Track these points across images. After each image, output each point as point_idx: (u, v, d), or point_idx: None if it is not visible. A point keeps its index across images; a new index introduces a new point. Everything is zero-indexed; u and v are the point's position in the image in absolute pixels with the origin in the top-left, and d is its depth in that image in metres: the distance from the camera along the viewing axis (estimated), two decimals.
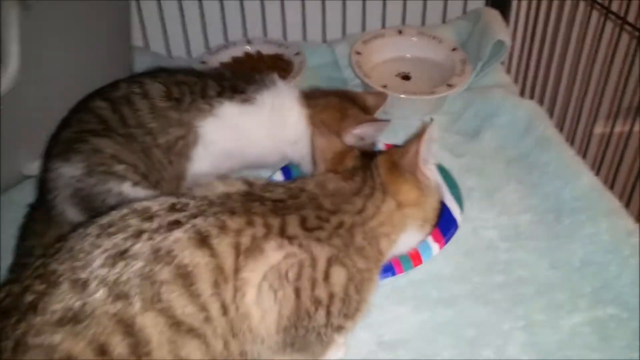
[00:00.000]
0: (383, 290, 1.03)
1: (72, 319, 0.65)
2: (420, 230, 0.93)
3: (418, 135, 0.88)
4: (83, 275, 0.67)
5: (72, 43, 1.25)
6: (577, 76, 1.45)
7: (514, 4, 1.64)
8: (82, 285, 0.67)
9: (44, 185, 1.10)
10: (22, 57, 1.11)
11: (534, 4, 1.62)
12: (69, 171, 1.06)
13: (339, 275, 0.79)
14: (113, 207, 1.02)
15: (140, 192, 1.07)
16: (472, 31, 1.58)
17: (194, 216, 0.74)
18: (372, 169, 0.91)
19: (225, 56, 1.58)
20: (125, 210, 0.75)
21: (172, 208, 0.75)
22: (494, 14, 1.57)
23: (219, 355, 0.72)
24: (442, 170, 1.17)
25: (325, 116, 1.16)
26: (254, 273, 0.74)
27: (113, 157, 1.05)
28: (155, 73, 1.13)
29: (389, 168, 0.91)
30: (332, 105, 1.17)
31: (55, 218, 1.10)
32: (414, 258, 1.04)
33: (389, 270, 1.02)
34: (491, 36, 1.45)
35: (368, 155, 0.95)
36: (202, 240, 0.72)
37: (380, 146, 1.22)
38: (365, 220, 0.86)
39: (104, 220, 0.73)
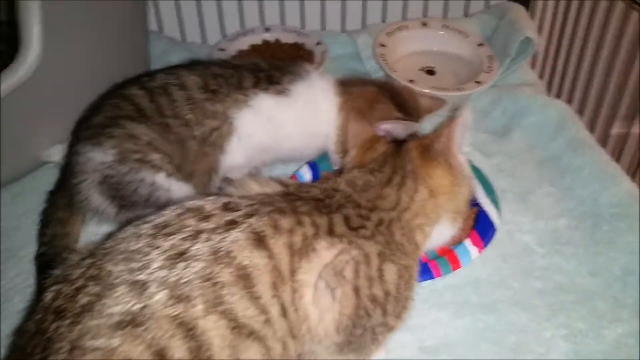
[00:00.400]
0: (421, 293, 1.00)
1: (131, 322, 0.62)
2: (452, 223, 0.91)
3: (451, 119, 0.86)
4: (141, 277, 0.65)
5: (91, 29, 1.21)
6: (612, 73, 1.42)
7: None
8: (140, 288, 0.64)
9: (69, 168, 1.07)
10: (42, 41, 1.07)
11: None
12: (99, 156, 1.02)
13: (391, 273, 0.78)
14: (147, 199, 1.01)
15: (173, 183, 1.05)
16: (497, 26, 1.56)
17: (249, 215, 0.72)
18: (403, 155, 0.89)
19: (243, 44, 1.54)
20: (179, 210, 0.72)
21: (226, 207, 0.73)
22: (521, 10, 1.54)
23: (278, 357, 0.70)
24: (476, 171, 1.15)
25: (354, 105, 1.12)
26: (309, 274, 0.72)
27: (149, 144, 1.02)
28: (191, 66, 1.10)
29: (421, 152, 0.89)
30: (365, 95, 1.13)
31: (78, 204, 1.07)
32: (453, 262, 1.02)
33: (427, 273, 1.00)
34: (519, 33, 1.43)
35: (400, 143, 0.93)
36: (260, 241, 0.70)
37: None
38: (400, 214, 0.84)
39: (159, 219, 0.71)
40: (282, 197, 0.78)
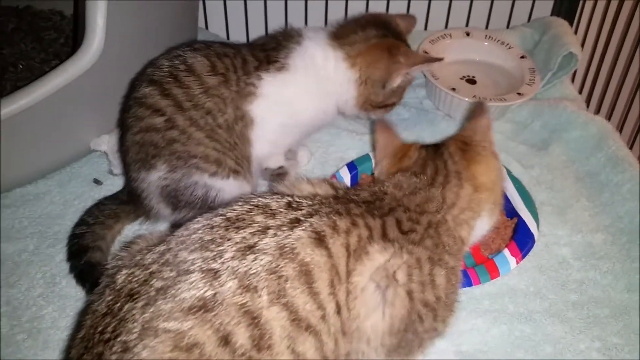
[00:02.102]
0: (459, 299, 1.02)
1: (202, 307, 0.65)
2: (490, 216, 0.94)
3: (478, 113, 0.95)
4: (214, 265, 0.68)
5: (148, 24, 1.24)
6: None
7: (585, 14, 1.62)
8: (213, 275, 0.67)
9: (135, 192, 1.11)
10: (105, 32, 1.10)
11: (599, 14, 1.60)
12: (155, 175, 1.06)
13: (441, 277, 0.81)
14: (204, 199, 1.06)
15: (219, 182, 1.08)
16: (540, 40, 1.57)
17: (310, 215, 0.75)
18: (443, 157, 0.93)
19: None
20: (247, 206, 0.76)
21: (289, 206, 0.77)
22: (564, 25, 1.55)
23: (329, 353, 0.72)
24: (516, 182, 1.17)
25: (372, 58, 1.14)
26: (362, 277, 0.75)
27: (186, 153, 1.05)
28: (192, 45, 1.10)
29: (463, 151, 0.93)
30: (378, 45, 1.14)
31: (151, 215, 1.13)
32: (492, 271, 1.03)
33: (466, 280, 1.02)
34: (563, 47, 1.44)
35: (434, 145, 0.97)
36: (320, 240, 0.73)
37: None
38: (446, 214, 0.87)
39: (230, 214, 0.75)
40: (335, 200, 0.82)
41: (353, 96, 1.16)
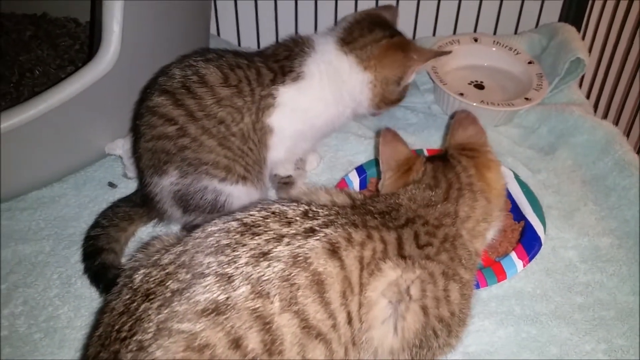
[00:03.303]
0: None
1: (215, 310, 0.67)
2: (498, 220, 0.95)
3: (469, 121, 0.98)
4: (229, 270, 0.70)
5: (162, 30, 1.26)
6: None
7: (593, 20, 1.63)
8: (227, 280, 0.69)
9: (148, 196, 1.13)
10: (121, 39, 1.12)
11: (606, 19, 1.62)
12: (167, 181, 1.09)
13: (455, 293, 0.82)
14: (213, 204, 1.08)
15: (228, 188, 1.10)
16: (547, 46, 1.58)
17: (326, 225, 0.77)
18: (455, 170, 0.93)
19: None
20: (264, 212, 0.78)
21: (306, 215, 0.78)
22: (572, 31, 1.56)
23: None
24: (523, 186, 1.19)
25: (387, 59, 1.17)
26: (375, 292, 0.77)
27: (197, 159, 1.08)
28: (204, 55, 1.12)
29: (473, 159, 0.95)
30: (389, 46, 1.17)
31: (164, 217, 1.16)
32: (499, 273, 1.05)
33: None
34: (570, 53, 1.45)
35: (435, 158, 0.98)
36: (334, 251, 0.75)
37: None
38: (460, 227, 0.88)
39: (247, 219, 0.77)
40: (352, 210, 0.83)
41: (368, 97, 1.19)
